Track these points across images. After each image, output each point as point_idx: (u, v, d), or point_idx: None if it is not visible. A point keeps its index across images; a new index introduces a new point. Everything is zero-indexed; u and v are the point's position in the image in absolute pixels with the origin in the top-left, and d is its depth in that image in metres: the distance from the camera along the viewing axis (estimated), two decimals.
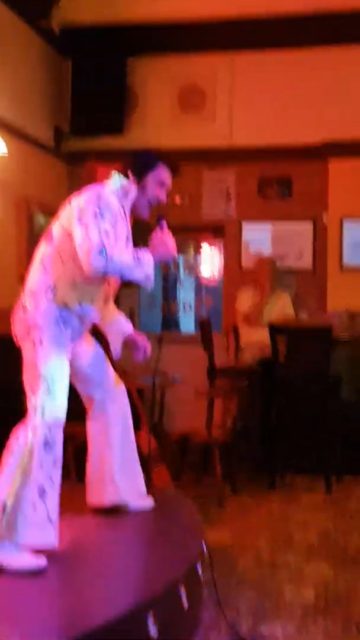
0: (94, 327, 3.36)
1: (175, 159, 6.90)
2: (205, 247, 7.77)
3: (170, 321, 8.12)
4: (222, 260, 7.35)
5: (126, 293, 6.85)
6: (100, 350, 3.41)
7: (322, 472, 5.36)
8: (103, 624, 2.33)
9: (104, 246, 2.88)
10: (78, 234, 2.95)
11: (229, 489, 5.13)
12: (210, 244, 7.70)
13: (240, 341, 6.40)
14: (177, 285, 8.25)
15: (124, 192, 3.14)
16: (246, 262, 7.01)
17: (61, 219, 3.09)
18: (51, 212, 3.19)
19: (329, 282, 6.76)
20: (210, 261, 7.75)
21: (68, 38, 6.43)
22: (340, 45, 6.59)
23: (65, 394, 3.00)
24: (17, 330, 3.06)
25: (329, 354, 5.37)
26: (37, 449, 2.85)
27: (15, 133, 5.83)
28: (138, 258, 2.99)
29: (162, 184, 3.20)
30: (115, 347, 3.43)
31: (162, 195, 3.21)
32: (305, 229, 6.93)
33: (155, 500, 3.55)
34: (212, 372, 6.20)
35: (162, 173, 3.19)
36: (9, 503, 2.81)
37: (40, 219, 6.06)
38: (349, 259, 6.71)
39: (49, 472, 2.89)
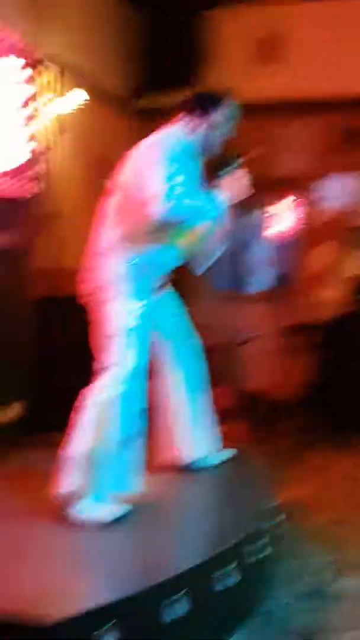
0: (174, 280, 3.33)
1: (252, 112, 6.76)
2: (281, 202, 7.62)
3: (243, 279, 8.03)
4: (299, 216, 7.20)
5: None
6: (181, 307, 3.40)
7: None
8: (177, 575, 2.37)
9: (167, 191, 2.85)
10: (142, 180, 2.92)
11: (304, 446, 5.11)
12: (287, 199, 7.55)
13: (316, 298, 6.31)
14: (251, 242, 8.14)
15: (192, 132, 3.09)
16: (323, 217, 6.84)
17: (126, 169, 3.07)
18: None
19: None
20: (286, 217, 7.61)
21: None
22: None
23: (139, 349, 3.01)
24: (87, 288, 3.07)
25: None
26: (116, 403, 2.89)
27: (90, 88, 5.81)
28: (208, 198, 2.94)
29: (229, 119, 3.15)
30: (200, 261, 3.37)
31: (231, 131, 3.16)
32: None
33: (229, 456, 3.56)
34: (287, 329, 6.14)
35: (229, 108, 3.14)
36: (89, 457, 2.86)
37: (112, 175, 6.05)
38: None
39: (131, 424, 2.92)
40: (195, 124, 3.09)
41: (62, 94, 5.04)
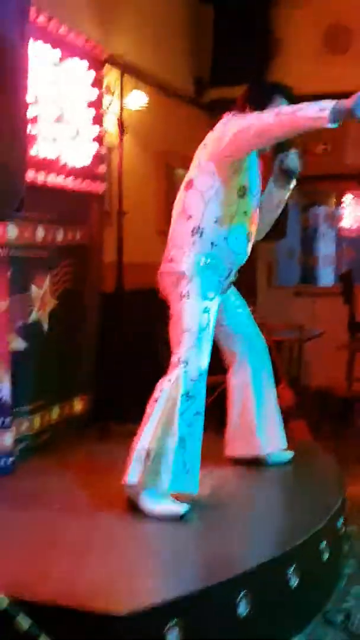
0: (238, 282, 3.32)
1: None
2: (348, 196, 7.50)
3: (309, 274, 7.95)
4: None
5: (264, 246, 6.77)
6: (246, 305, 3.40)
7: None
8: (244, 572, 2.37)
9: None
10: (235, 134, 2.90)
11: None
12: (354, 194, 7.42)
13: None
14: (317, 237, 8.05)
15: None
16: None
17: (196, 161, 3.07)
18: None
19: None
20: (353, 211, 7.48)
21: None
22: None
23: (209, 347, 3.02)
24: (164, 283, 3.08)
25: None
26: (180, 400, 2.90)
27: (155, 84, 5.82)
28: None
29: None
30: None
31: None
32: None
33: (295, 454, 3.54)
34: (354, 325, 6.05)
35: (280, 103, 3.06)
36: (153, 451, 2.88)
37: (180, 172, 6.05)
38: None
39: (191, 423, 2.93)
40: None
41: (127, 93, 5.07)
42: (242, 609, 2.30)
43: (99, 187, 4.33)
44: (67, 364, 4.14)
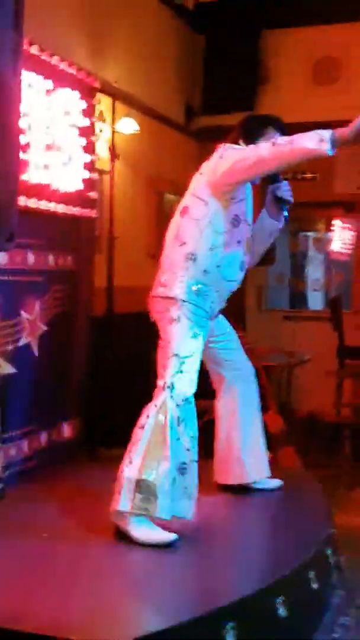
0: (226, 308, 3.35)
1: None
2: (336, 223, 7.57)
3: (298, 299, 8.00)
4: (354, 237, 7.15)
5: (255, 271, 6.81)
6: (233, 331, 3.42)
7: None
8: (232, 603, 2.37)
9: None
10: (232, 164, 2.94)
11: (358, 471, 5.04)
12: (342, 220, 7.50)
13: None
14: (306, 262, 8.10)
15: None
16: None
17: (192, 189, 3.10)
18: (181, 191, 3.22)
19: None
20: (341, 238, 7.55)
21: (202, 14, 6.39)
22: None
23: (196, 373, 3.03)
24: (155, 306, 3.10)
25: None
26: (170, 426, 2.90)
27: (146, 111, 5.88)
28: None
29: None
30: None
31: None
32: None
33: (283, 481, 3.54)
34: (343, 350, 6.08)
35: (273, 137, 3.12)
36: (144, 479, 2.87)
37: (170, 197, 6.11)
38: None
39: (189, 447, 2.93)
40: None
41: (118, 120, 5.12)
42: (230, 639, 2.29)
43: (90, 213, 4.36)
44: (57, 389, 4.14)
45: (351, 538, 3.80)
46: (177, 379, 2.97)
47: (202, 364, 3.23)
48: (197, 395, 3.06)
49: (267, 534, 3.18)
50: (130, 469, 2.91)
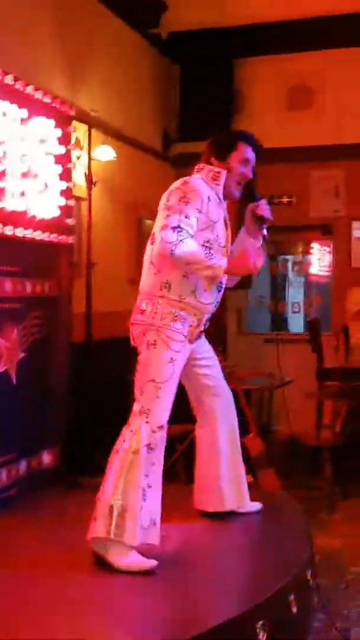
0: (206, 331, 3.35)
1: (283, 158, 6.83)
2: (314, 246, 7.66)
3: (278, 321, 8.05)
4: (332, 259, 7.23)
5: (235, 294, 6.85)
6: (214, 356, 3.42)
7: None
8: (212, 628, 2.35)
9: (180, 228, 2.88)
10: (158, 217, 2.98)
11: (339, 494, 5.04)
12: (319, 243, 7.58)
13: (351, 341, 6.28)
14: (286, 285, 8.17)
15: (213, 178, 3.11)
16: (356, 260, 6.85)
17: (158, 216, 3.13)
18: None
19: None
20: (319, 260, 7.63)
21: (176, 43, 6.50)
22: None
23: (172, 397, 3.03)
24: (135, 332, 3.10)
25: None
26: (141, 452, 2.91)
27: (123, 138, 5.94)
28: (211, 256, 2.95)
29: (246, 161, 3.16)
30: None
31: (248, 173, 3.17)
32: None
33: (264, 504, 3.54)
34: (322, 372, 6.11)
35: (244, 151, 3.15)
36: (117, 505, 2.87)
37: (149, 222, 6.15)
38: None
39: (150, 474, 2.93)
40: (214, 170, 3.13)
41: (95, 147, 5.17)
42: None
43: (67, 239, 4.38)
44: (36, 416, 4.12)
45: (332, 560, 3.80)
46: (154, 405, 2.97)
47: (183, 389, 3.24)
48: (179, 419, 3.06)
49: (247, 558, 3.17)
50: (104, 495, 2.91)
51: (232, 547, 3.25)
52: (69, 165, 4.35)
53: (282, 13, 6.06)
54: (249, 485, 4.11)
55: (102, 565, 2.88)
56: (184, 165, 6.65)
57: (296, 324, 8.51)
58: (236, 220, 3.36)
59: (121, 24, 5.98)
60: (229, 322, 7.34)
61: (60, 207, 4.24)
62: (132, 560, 2.86)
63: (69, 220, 4.37)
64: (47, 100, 4.10)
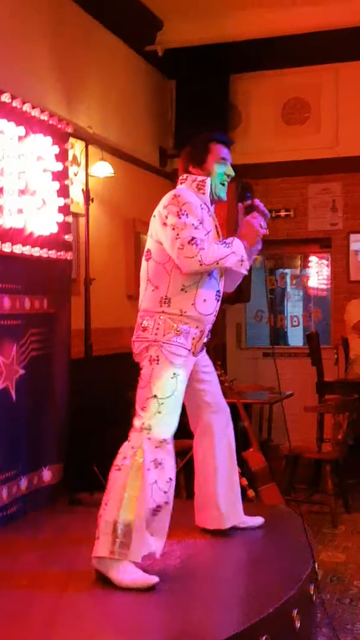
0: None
1: (281, 173, 6.86)
2: (312, 259, 7.67)
3: (278, 335, 8.04)
4: (330, 272, 7.24)
5: (233, 308, 6.86)
6: (214, 371, 3.41)
7: None
8: None
9: (195, 239, 2.90)
10: (167, 236, 2.97)
11: (341, 507, 5.02)
12: (318, 256, 7.60)
13: (350, 354, 6.27)
14: (285, 299, 8.16)
15: (198, 187, 3.12)
16: (354, 273, 6.87)
17: (151, 232, 3.13)
18: None
19: None
20: (317, 274, 7.64)
21: (171, 59, 6.54)
22: None
23: (175, 413, 3.01)
24: (137, 348, 3.09)
25: None
26: (145, 468, 2.89)
27: (120, 154, 5.97)
28: (227, 244, 2.99)
29: (222, 160, 3.17)
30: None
31: (229, 170, 3.18)
32: None
33: (266, 519, 3.52)
34: (322, 386, 6.10)
35: (218, 151, 3.16)
36: (121, 522, 2.85)
37: (146, 238, 6.15)
38: None
39: (164, 490, 2.91)
40: (196, 179, 3.13)
41: (93, 163, 5.19)
42: None
43: (65, 255, 4.38)
44: (36, 434, 4.11)
45: (335, 575, 3.78)
46: (155, 421, 2.95)
47: (183, 404, 3.22)
48: (180, 434, 3.04)
49: (249, 573, 3.14)
50: (107, 513, 2.88)
51: (235, 562, 3.23)
52: (66, 181, 4.37)
53: (277, 29, 6.10)
54: (251, 499, 4.11)
55: (104, 582, 2.86)
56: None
57: (295, 337, 8.49)
58: (229, 224, 3.34)
59: (117, 41, 6.02)
60: (228, 337, 7.34)
61: (59, 224, 4.25)
62: (135, 577, 2.83)
63: (67, 237, 4.38)
64: (44, 117, 4.12)
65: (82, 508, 4.07)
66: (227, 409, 3.44)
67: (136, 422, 2.98)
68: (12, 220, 3.80)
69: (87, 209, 4.71)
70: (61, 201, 4.27)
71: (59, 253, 4.29)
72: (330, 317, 7.22)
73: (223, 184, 3.18)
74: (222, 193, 3.19)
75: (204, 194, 3.11)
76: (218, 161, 3.16)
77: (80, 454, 4.48)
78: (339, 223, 6.94)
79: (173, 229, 2.95)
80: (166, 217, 2.99)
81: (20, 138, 3.87)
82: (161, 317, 3.03)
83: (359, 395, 5.47)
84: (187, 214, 2.96)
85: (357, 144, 6.69)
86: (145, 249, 3.15)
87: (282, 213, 6.96)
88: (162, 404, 2.96)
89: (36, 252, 4.05)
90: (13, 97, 3.80)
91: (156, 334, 3.01)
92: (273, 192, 6.76)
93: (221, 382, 3.54)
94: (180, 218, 2.95)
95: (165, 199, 3.06)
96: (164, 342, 3.00)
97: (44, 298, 4.22)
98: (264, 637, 2.48)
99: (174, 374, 3.01)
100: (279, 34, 6.18)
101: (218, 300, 3.17)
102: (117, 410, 4.56)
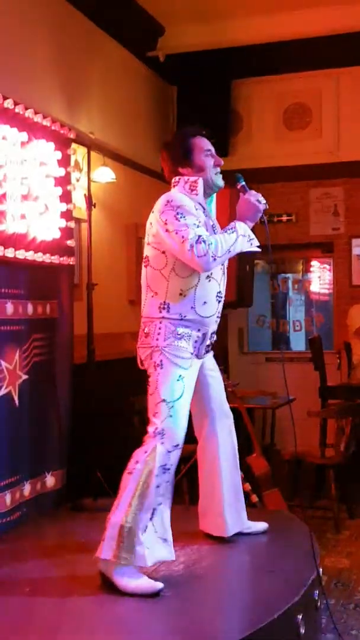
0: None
1: (282, 178, 6.85)
2: (314, 264, 7.67)
3: (280, 340, 8.04)
4: (332, 277, 7.23)
5: (235, 313, 6.85)
6: (219, 376, 3.40)
7: None
8: None
9: (201, 237, 2.90)
10: (173, 241, 2.96)
11: (345, 512, 5.00)
12: (319, 261, 7.60)
13: (353, 358, 6.26)
14: (287, 303, 8.16)
15: (190, 188, 3.11)
16: (356, 278, 6.87)
17: (148, 239, 3.13)
18: None
19: None
20: (319, 278, 7.64)
21: (173, 65, 6.55)
22: None
23: (186, 415, 3.02)
24: (141, 355, 3.10)
25: None
26: (155, 473, 2.89)
27: (122, 160, 5.97)
28: (230, 229, 2.99)
29: (207, 151, 3.16)
30: None
31: (217, 160, 3.17)
32: None
33: (269, 524, 3.51)
34: (325, 390, 6.08)
35: (200, 143, 3.15)
36: (127, 526, 2.85)
37: None
38: None
39: (164, 493, 2.92)
40: (187, 179, 3.13)
41: (95, 168, 5.20)
42: None
43: (68, 261, 4.38)
44: (39, 439, 4.10)
45: (340, 580, 3.76)
46: (167, 425, 2.96)
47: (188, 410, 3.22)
48: (184, 439, 3.04)
49: (253, 578, 3.13)
50: (115, 516, 2.89)
51: (239, 568, 3.23)
52: (68, 187, 4.37)
53: (278, 34, 6.11)
54: (254, 505, 4.10)
55: (109, 586, 2.85)
56: None
57: (298, 342, 8.49)
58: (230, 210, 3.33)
59: (119, 47, 6.03)
60: (231, 342, 7.34)
61: (61, 229, 4.26)
62: (140, 583, 2.83)
63: (69, 242, 4.38)
64: (46, 123, 4.13)
65: (86, 514, 4.06)
66: (231, 415, 3.43)
67: (149, 429, 2.99)
68: (15, 226, 3.80)
69: (90, 214, 4.71)
70: (63, 206, 4.27)
71: (61, 258, 4.29)
72: (332, 321, 7.21)
73: (217, 174, 3.18)
74: (220, 181, 3.19)
75: (197, 194, 3.11)
76: (204, 153, 3.15)
77: (83, 459, 4.47)
78: (341, 227, 6.94)
79: (177, 233, 2.95)
80: (165, 224, 2.99)
81: (23, 144, 3.88)
82: (161, 323, 3.03)
83: None
84: (184, 216, 2.97)
85: (359, 148, 6.69)
86: (144, 256, 3.15)
87: (284, 218, 6.96)
88: (171, 407, 2.97)
89: (39, 257, 4.05)
90: (16, 103, 3.82)
91: (157, 339, 3.02)
92: (275, 196, 6.75)
93: (224, 387, 3.54)
94: (179, 221, 2.96)
95: (159, 205, 3.06)
96: (165, 347, 3.01)
97: (47, 303, 4.22)
98: None
99: (180, 376, 3.01)
100: (280, 39, 6.19)
101: (219, 301, 3.17)
102: (120, 415, 4.56)
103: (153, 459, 2.91)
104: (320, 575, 3.09)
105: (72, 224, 4.41)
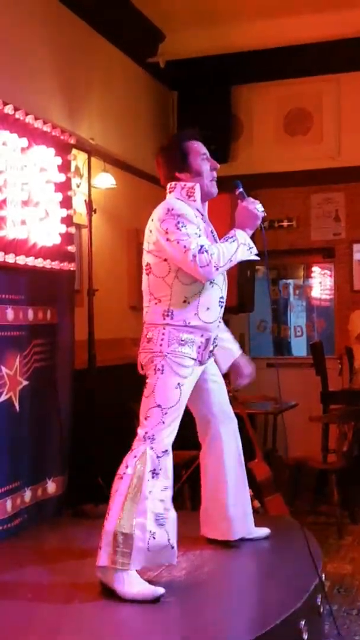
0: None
1: (283, 183, 6.86)
2: (315, 269, 7.66)
3: (281, 345, 8.03)
4: (334, 282, 7.23)
5: (236, 318, 6.84)
6: (222, 381, 3.39)
7: None
8: None
9: (203, 247, 2.90)
10: (175, 250, 2.95)
11: (347, 518, 4.98)
12: (320, 266, 7.59)
13: (355, 363, 6.25)
14: (288, 309, 8.15)
15: (188, 195, 3.10)
16: (358, 283, 6.86)
17: (148, 246, 3.11)
18: None
19: None
20: (320, 284, 7.63)
21: (173, 70, 6.56)
22: None
23: (177, 423, 3.01)
24: (142, 360, 3.09)
25: None
26: (145, 478, 2.88)
27: (123, 165, 5.98)
28: (230, 238, 2.99)
29: (203, 155, 3.15)
30: (222, 364, 3.39)
31: (213, 164, 3.17)
32: None
33: (272, 530, 3.49)
34: (326, 396, 6.07)
35: (196, 147, 3.14)
36: (121, 532, 2.83)
37: None
38: None
39: (160, 499, 2.90)
40: (184, 185, 3.12)
41: (95, 174, 5.20)
42: None
43: (68, 266, 4.38)
44: (40, 445, 4.09)
45: (342, 585, 3.75)
46: (158, 430, 2.95)
47: (190, 415, 3.21)
48: (185, 445, 3.03)
49: (256, 584, 3.12)
50: (108, 522, 2.88)
51: (241, 573, 3.21)
52: (69, 193, 4.37)
53: (279, 39, 6.12)
54: (256, 510, 4.08)
55: (109, 594, 2.83)
56: None
57: (299, 347, 8.48)
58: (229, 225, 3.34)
59: (119, 53, 6.05)
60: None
61: (61, 235, 4.25)
62: (140, 589, 2.81)
63: (70, 248, 4.38)
64: (46, 129, 4.13)
65: (87, 519, 4.05)
66: (235, 420, 3.42)
67: (140, 431, 2.98)
68: (16, 231, 3.80)
69: (90, 220, 4.71)
70: (64, 212, 4.27)
71: (62, 264, 4.29)
72: (333, 327, 7.20)
73: (212, 181, 3.17)
74: (214, 189, 3.18)
75: (194, 200, 3.10)
76: (200, 157, 3.14)
77: (84, 465, 4.46)
78: (342, 233, 6.94)
79: (178, 242, 2.94)
80: (166, 233, 2.98)
81: (23, 149, 3.88)
82: (165, 329, 3.02)
83: None
84: (185, 225, 2.96)
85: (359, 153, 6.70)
86: (144, 263, 3.13)
87: (285, 223, 6.96)
88: (165, 413, 2.96)
89: (39, 263, 4.04)
90: (16, 109, 3.82)
91: (161, 345, 3.01)
92: (275, 202, 6.75)
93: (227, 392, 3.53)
94: (181, 230, 2.95)
95: (159, 213, 3.03)
96: (168, 353, 3.00)
97: (47, 309, 4.21)
98: None
99: (178, 384, 3.00)
100: (280, 44, 6.20)
101: (221, 306, 3.17)
102: (120, 420, 4.55)
103: (143, 463, 2.90)
104: (323, 581, 3.08)
105: (72, 230, 4.41)
